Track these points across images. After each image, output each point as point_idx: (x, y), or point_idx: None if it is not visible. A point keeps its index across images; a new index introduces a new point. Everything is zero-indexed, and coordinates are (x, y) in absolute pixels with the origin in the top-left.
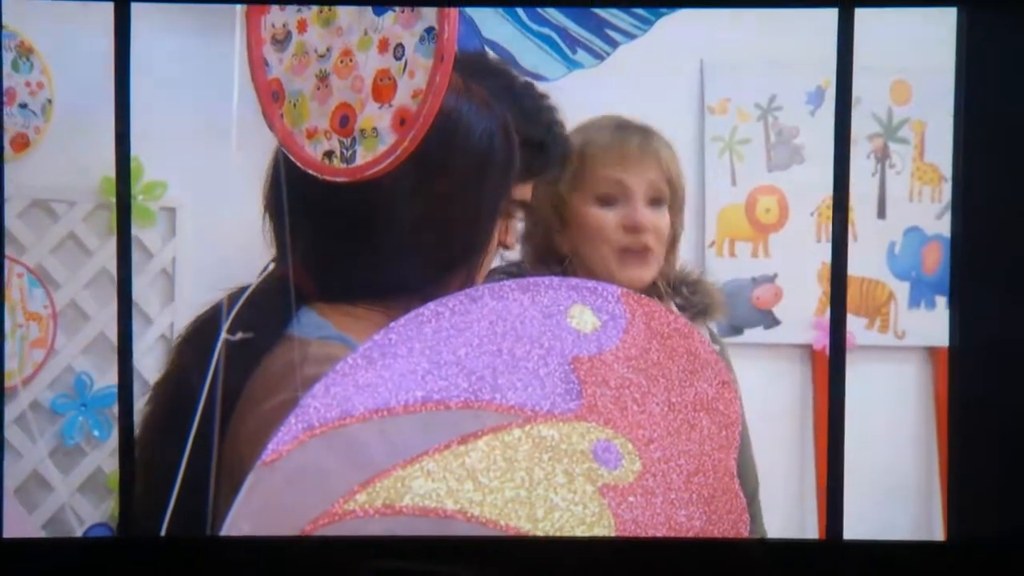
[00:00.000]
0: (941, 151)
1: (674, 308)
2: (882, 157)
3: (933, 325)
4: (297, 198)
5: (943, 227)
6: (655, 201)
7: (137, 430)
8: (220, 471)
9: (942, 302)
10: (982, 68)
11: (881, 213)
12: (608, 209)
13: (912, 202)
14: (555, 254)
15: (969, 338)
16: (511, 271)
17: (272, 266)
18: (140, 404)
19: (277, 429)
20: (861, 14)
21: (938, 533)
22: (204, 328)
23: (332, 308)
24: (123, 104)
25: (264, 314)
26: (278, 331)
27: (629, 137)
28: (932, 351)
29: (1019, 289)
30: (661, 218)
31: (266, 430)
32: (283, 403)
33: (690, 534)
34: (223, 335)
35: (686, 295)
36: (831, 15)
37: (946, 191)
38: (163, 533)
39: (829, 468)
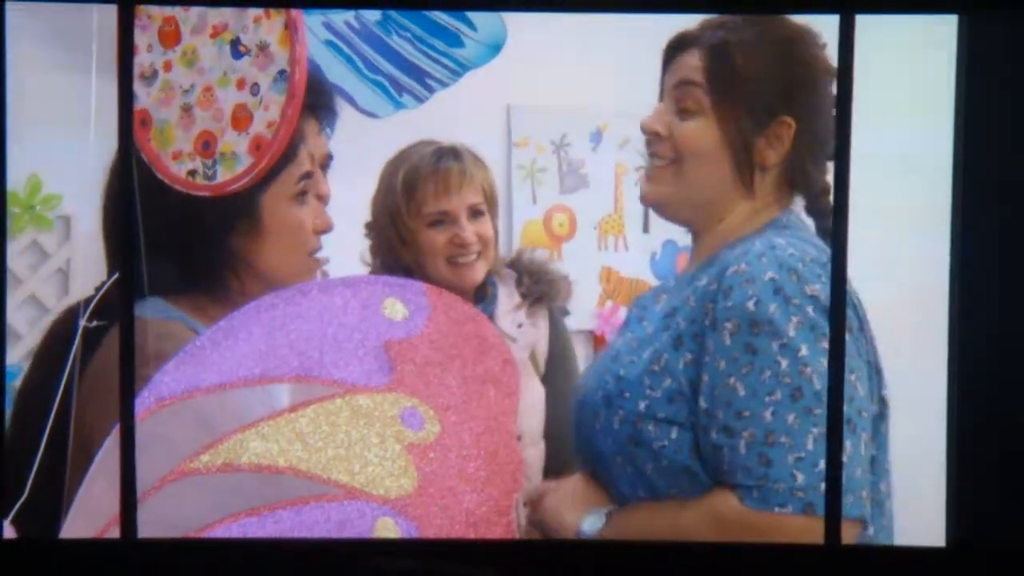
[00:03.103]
0: None
1: (517, 295)
2: None
3: None
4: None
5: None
6: (476, 214)
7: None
8: (74, 452)
9: None
10: (981, 75)
11: (645, 229)
12: (438, 230)
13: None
14: (401, 264)
15: (970, 345)
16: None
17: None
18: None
19: None
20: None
21: None
22: (64, 322)
23: (177, 296)
24: (127, 101)
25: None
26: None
27: (448, 165)
28: None
29: (1019, 294)
30: (483, 226)
31: (115, 405)
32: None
33: (477, 483)
34: (82, 323)
35: (528, 284)
36: (618, 70)
37: None
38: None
39: (828, 470)
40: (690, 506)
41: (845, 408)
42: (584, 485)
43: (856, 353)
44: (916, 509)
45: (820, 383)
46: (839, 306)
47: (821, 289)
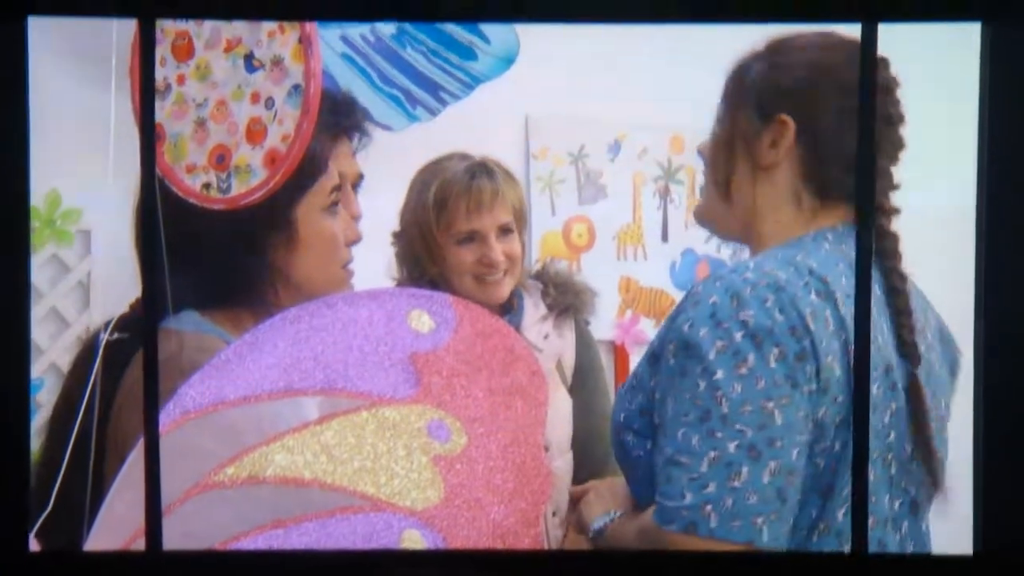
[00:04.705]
0: None
1: (543, 307)
2: (664, 195)
3: None
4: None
5: (711, 249)
6: (505, 232)
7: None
8: (104, 468)
9: None
10: (1005, 82)
11: (664, 238)
12: (467, 248)
13: (687, 230)
14: (427, 277)
15: (997, 348)
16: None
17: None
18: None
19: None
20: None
21: None
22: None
23: (212, 310)
24: (148, 116)
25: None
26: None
27: (481, 184)
28: None
29: None
30: (511, 244)
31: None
32: (166, 393)
33: (504, 495)
34: (104, 336)
35: (553, 295)
36: (636, 81)
37: None
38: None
39: (854, 480)
40: (638, 516)
41: (752, 434)
42: (620, 487)
43: (784, 380)
44: (944, 518)
45: (728, 408)
46: (864, 319)
47: (755, 315)
